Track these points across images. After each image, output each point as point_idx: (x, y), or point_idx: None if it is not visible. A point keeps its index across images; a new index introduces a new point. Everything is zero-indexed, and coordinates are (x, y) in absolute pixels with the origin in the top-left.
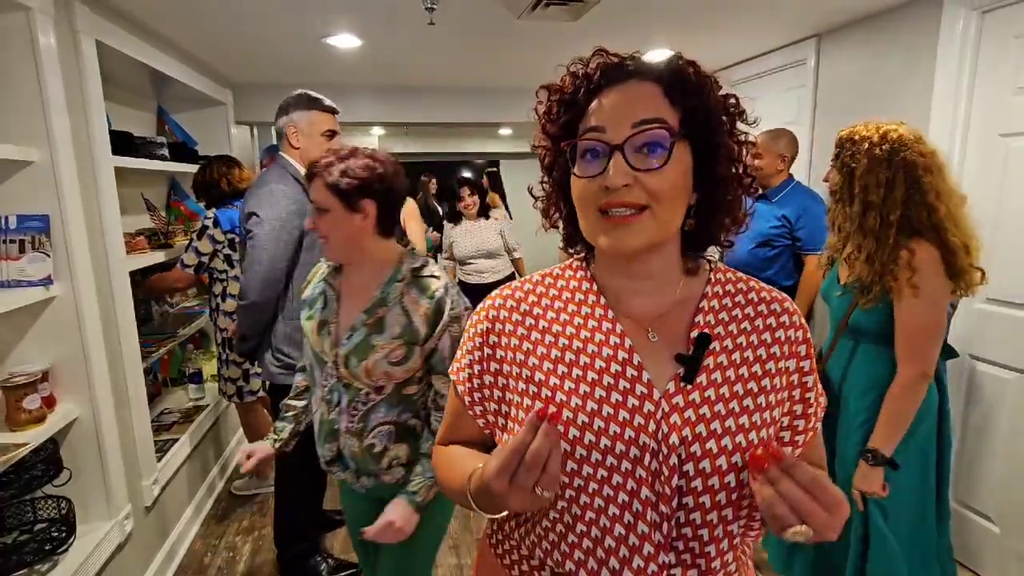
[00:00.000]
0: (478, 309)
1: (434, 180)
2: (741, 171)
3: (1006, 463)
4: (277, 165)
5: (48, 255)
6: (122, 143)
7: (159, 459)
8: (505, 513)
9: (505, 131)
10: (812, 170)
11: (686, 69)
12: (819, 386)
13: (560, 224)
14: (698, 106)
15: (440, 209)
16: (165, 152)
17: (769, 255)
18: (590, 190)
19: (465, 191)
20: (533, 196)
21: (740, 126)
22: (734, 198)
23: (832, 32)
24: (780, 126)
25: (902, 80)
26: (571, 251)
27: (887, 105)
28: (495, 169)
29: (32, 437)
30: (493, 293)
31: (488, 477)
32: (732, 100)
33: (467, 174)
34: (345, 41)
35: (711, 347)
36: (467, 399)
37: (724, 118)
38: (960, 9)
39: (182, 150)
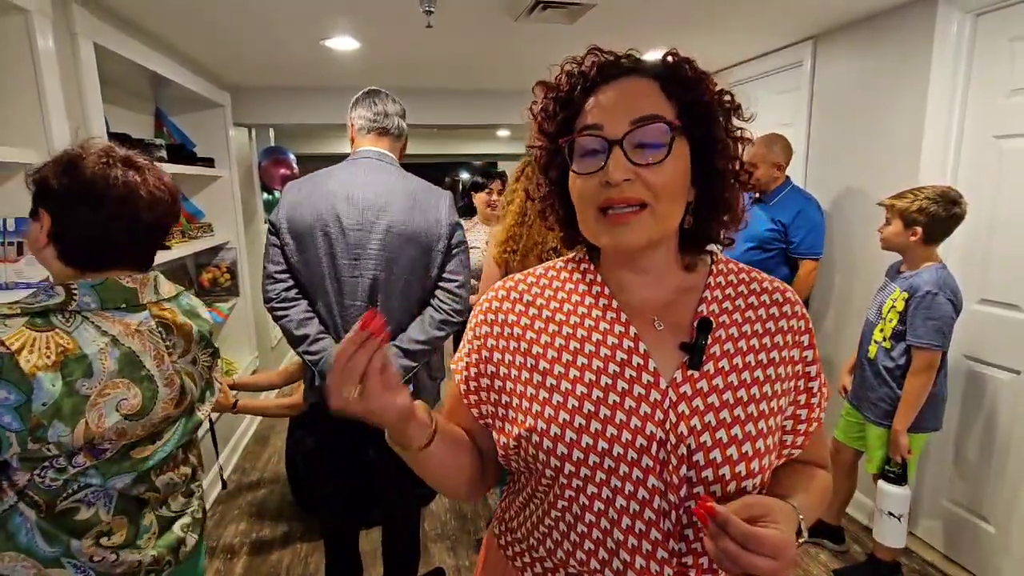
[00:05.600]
0: (480, 301)
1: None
2: (738, 167)
3: (1001, 463)
4: (400, 167)
5: None
6: (120, 145)
7: None
8: (420, 443)
9: (503, 132)
10: (808, 172)
11: (682, 64)
12: (823, 378)
13: (556, 227)
14: (695, 101)
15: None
16: (163, 154)
17: (762, 258)
18: (590, 187)
19: (496, 184)
20: (531, 198)
21: (736, 122)
22: (732, 194)
23: (828, 35)
24: (777, 128)
25: (897, 82)
26: (570, 253)
27: (883, 107)
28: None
29: None
30: (496, 285)
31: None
32: (728, 96)
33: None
34: (343, 44)
35: (717, 335)
36: (462, 387)
37: (720, 113)
38: (954, 12)
39: (180, 152)
